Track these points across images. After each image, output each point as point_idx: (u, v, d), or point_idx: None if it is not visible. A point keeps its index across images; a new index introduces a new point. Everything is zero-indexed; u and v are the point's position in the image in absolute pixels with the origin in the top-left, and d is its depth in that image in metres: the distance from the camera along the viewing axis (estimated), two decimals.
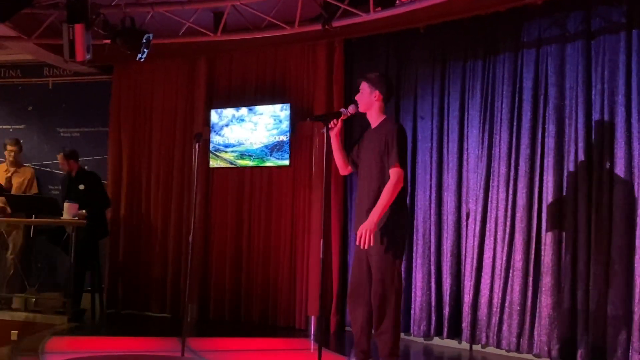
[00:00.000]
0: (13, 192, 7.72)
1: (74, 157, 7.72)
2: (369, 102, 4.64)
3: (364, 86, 4.65)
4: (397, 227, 4.49)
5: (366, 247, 4.38)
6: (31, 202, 7.53)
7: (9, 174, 7.88)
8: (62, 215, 7.07)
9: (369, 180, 4.58)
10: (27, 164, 8.24)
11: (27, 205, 7.47)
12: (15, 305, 7.42)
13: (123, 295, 7.93)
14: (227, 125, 7.54)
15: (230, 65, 7.75)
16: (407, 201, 6.39)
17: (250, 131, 7.39)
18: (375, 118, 4.68)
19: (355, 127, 6.54)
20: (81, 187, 7.55)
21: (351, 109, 4.64)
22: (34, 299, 7.43)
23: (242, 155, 7.45)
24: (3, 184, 7.79)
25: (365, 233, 4.34)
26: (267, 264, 7.35)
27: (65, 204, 7.05)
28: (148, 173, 8.02)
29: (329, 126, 4.55)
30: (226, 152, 7.55)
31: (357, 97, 4.69)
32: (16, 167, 7.95)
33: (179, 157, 7.86)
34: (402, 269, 6.35)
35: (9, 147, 7.88)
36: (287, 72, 7.43)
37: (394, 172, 4.42)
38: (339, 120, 4.61)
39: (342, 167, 4.85)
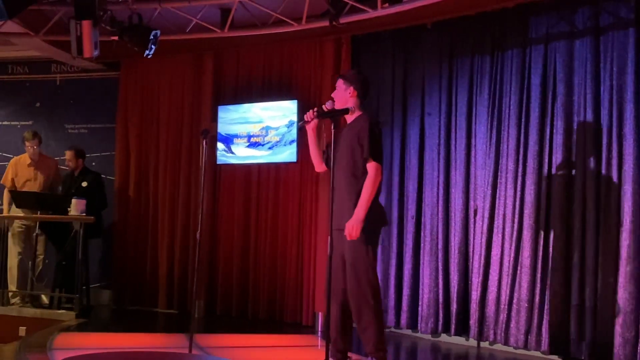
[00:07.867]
0: (38, 188, 7.60)
1: (83, 156, 7.77)
2: (344, 98, 4.65)
3: (339, 83, 4.69)
4: (370, 221, 4.45)
5: (354, 238, 4.38)
6: (37, 199, 7.52)
7: (31, 168, 7.67)
8: (67, 213, 7.11)
9: (342, 175, 4.54)
10: (50, 156, 8.00)
11: (32, 202, 7.46)
12: (43, 301, 7.46)
13: (130, 291, 7.95)
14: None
15: (238, 62, 7.75)
16: (415, 197, 6.49)
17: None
18: (350, 114, 4.66)
19: None
20: (84, 184, 7.59)
21: (328, 104, 4.65)
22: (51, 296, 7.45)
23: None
24: (26, 178, 7.63)
25: (352, 228, 4.36)
26: (274, 260, 7.36)
27: (73, 201, 7.05)
28: (155, 169, 8.03)
29: (305, 120, 4.59)
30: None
31: (333, 94, 4.72)
32: (39, 160, 7.70)
33: (186, 153, 7.87)
34: (409, 266, 6.46)
35: (27, 143, 7.55)
36: (294, 68, 7.43)
37: (370, 167, 4.44)
38: (314, 116, 4.56)
39: (317, 164, 4.85)
